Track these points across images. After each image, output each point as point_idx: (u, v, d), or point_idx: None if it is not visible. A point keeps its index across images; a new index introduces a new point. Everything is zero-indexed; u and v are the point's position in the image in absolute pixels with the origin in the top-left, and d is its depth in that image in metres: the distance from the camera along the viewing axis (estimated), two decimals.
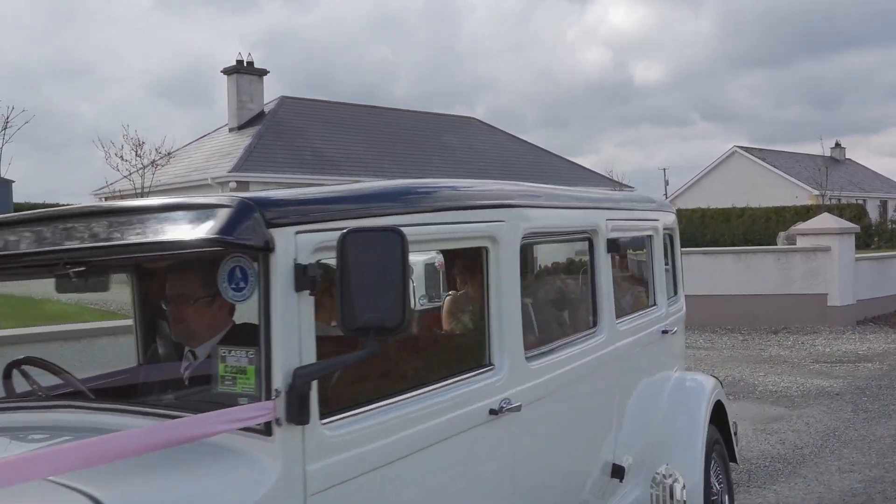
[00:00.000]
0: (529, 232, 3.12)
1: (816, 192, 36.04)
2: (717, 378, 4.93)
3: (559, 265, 4.24)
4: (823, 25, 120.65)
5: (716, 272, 14.92)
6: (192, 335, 2.72)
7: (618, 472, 3.73)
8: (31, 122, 26.50)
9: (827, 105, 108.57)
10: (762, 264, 14.84)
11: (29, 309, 9.58)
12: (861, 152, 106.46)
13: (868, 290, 15.31)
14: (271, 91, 47.16)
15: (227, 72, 27.72)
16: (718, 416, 4.64)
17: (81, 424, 2.31)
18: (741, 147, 47.45)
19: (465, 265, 3.61)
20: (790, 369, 10.80)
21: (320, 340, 2.15)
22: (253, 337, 2.10)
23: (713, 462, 4.45)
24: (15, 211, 14.29)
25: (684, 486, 3.88)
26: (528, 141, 36.12)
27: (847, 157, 52.49)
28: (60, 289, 3.28)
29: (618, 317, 3.82)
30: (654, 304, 4.53)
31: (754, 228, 31.85)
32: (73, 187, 66.37)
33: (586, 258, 3.70)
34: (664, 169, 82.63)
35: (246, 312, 2.54)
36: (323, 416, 2.10)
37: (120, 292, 3.59)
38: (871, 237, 31.43)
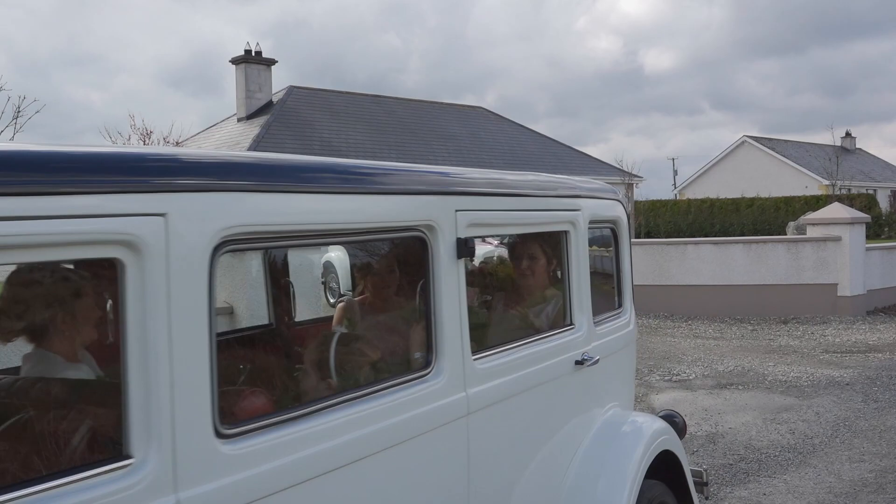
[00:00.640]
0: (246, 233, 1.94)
1: (826, 182, 35.89)
2: (676, 417, 4.13)
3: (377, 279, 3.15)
4: (837, 13, 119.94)
5: (725, 262, 14.89)
6: None
7: None
8: (40, 112, 26.56)
9: (839, 93, 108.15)
10: (772, 254, 14.78)
11: None
12: (873, 141, 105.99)
13: (878, 280, 15.25)
14: (280, 81, 47.07)
15: (236, 61, 27.69)
16: (675, 467, 3.78)
17: None
18: (751, 137, 47.27)
19: None
20: (800, 359, 10.77)
21: None
22: None
23: None
24: None
25: None
26: (537, 131, 36.04)
27: (858, 146, 52.21)
28: None
29: (481, 350, 2.78)
30: (571, 325, 3.45)
31: (763, 218, 31.77)
32: None
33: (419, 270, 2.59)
34: (673, 159, 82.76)
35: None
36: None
37: None
38: (881, 227, 31.33)
